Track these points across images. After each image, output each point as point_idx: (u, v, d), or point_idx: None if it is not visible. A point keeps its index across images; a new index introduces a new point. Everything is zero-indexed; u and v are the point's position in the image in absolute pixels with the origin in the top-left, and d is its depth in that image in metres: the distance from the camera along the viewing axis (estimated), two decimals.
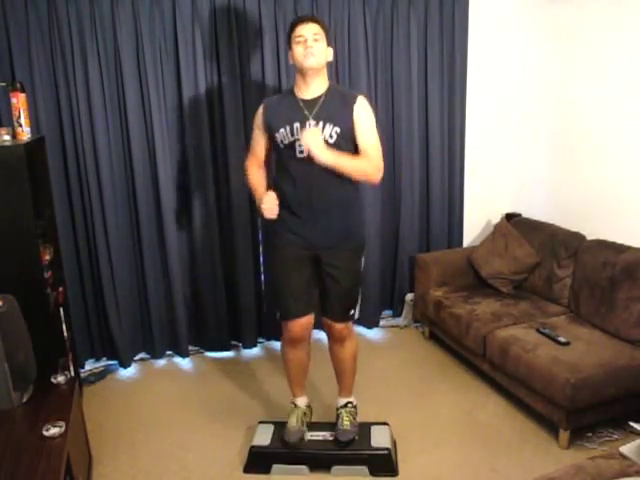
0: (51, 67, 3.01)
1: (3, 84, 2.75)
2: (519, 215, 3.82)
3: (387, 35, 3.50)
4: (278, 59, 3.30)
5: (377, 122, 3.52)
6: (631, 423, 2.22)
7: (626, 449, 1.91)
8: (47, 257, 2.71)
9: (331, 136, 2.25)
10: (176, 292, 3.43)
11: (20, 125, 2.53)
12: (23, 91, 2.55)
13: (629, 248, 2.94)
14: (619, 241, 3.02)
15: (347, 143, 2.29)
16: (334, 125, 2.25)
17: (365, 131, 2.30)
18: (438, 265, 3.63)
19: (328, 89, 2.32)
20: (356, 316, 2.52)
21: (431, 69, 3.62)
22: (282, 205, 2.32)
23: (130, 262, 3.38)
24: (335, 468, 2.47)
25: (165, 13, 3.11)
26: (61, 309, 2.88)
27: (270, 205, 2.27)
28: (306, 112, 2.28)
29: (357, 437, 2.51)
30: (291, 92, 2.36)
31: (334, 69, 3.42)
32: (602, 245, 3.06)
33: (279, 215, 2.32)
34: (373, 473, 2.45)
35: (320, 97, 2.29)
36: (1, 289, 2.31)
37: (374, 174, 2.30)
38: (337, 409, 2.63)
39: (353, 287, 2.44)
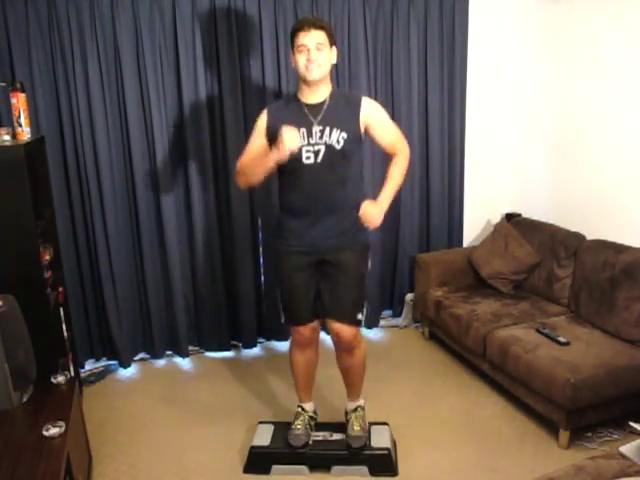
0: (51, 67, 3.01)
1: (3, 84, 2.75)
2: (519, 215, 3.82)
3: (387, 35, 3.50)
4: (278, 58, 3.30)
5: None
6: (631, 423, 2.22)
7: (626, 449, 1.91)
8: (47, 257, 2.71)
9: (338, 142, 2.23)
10: (176, 292, 3.43)
11: (20, 125, 2.52)
12: (23, 91, 2.54)
13: (629, 248, 2.93)
14: (619, 241, 3.02)
15: (353, 146, 2.28)
16: (341, 131, 2.23)
17: (384, 128, 2.33)
18: (438, 265, 3.63)
19: (332, 93, 2.29)
20: (362, 322, 2.47)
21: (431, 69, 3.62)
22: (287, 210, 2.36)
23: (130, 262, 3.38)
24: (335, 468, 2.47)
25: (165, 13, 3.11)
26: (61, 309, 2.89)
27: (291, 134, 2.06)
28: (311, 118, 2.25)
29: (368, 442, 2.50)
30: (294, 97, 2.32)
31: (334, 69, 3.41)
32: (602, 245, 3.06)
33: (283, 220, 2.35)
34: (373, 473, 2.45)
35: (324, 102, 2.26)
36: (1, 289, 2.31)
37: (407, 160, 2.38)
38: (347, 414, 2.61)
39: (359, 287, 2.39)
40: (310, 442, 2.51)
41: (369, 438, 2.52)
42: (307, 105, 2.26)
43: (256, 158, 2.25)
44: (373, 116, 2.29)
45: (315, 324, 2.47)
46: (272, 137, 2.22)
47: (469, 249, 3.80)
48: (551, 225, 3.48)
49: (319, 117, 2.24)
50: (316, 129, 2.23)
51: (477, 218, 4.04)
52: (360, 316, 2.41)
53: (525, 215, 3.80)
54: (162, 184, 3.27)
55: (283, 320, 2.51)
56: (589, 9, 3.22)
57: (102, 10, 3.02)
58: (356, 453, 2.46)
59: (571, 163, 3.49)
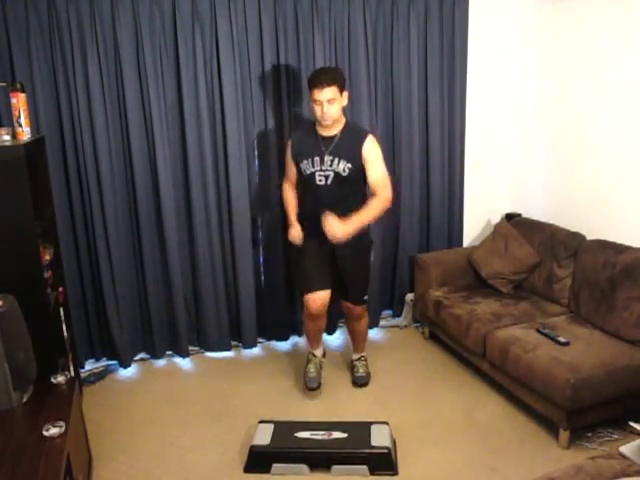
0: (51, 67, 3.01)
1: (3, 84, 2.75)
2: (519, 215, 3.82)
3: (387, 35, 3.50)
4: (278, 58, 3.30)
5: (377, 122, 3.58)
6: (631, 423, 2.22)
7: (626, 449, 1.91)
8: (47, 257, 2.71)
9: (344, 170, 2.75)
10: (176, 292, 3.43)
11: (20, 125, 2.52)
12: (23, 91, 2.54)
13: (629, 248, 2.94)
14: (619, 241, 3.02)
15: (357, 174, 2.78)
16: (347, 161, 2.74)
17: (373, 167, 2.77)
18: (438, 265, 3.63)
19: (343, 127, 2.78)
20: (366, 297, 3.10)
21: (431, 69, 3.62)
22: (307, 212, 2.94)
23: (130, 262, 3.38)
24: (335, 467, 2.47)
25: (165, 13, 3.11)
26: (61, 309, 2.89)
27: (295, 239, 2.95)
28: (323, 149, 2.77)
29: (369, 380, 3.17)
30: (313, 126, 2.82)
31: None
32: (602, 245, 3.06)
33: (303, 219, 2.96)
34: (373, 472, 2.46)
35: (336, 135, 2.77)
36: (1, 289, 2.31)
37: (386, 206, 2.80)
38: (352, 362, 3.27)
39: (365, 277, 3.04)
40: (322, 382, 3.09)
41: (369, 436, 2.53)
42: (322, 137, 2.79)
43: (286, 208, 3.06)
44: (368, 153, 2.76)
45: (324, 297, 2.89)
46: (297, 160, 2.87)
47: (469, 249, 3.80)
48: (551, 225, 3.48)
49: (330, 149, 2.76)
50: (327, 158, 2.76)
51: (477, 218, 4.04)
52: (366, 296, 3.07)
53: (525, 215, 3.80)
54: (162, 184, 3.27)
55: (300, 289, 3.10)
56: (589, 9, 3.22)
57: (102, 10, 3.02)
58: (356, 448, 2.48)
59: (571, 163, 3.50)
